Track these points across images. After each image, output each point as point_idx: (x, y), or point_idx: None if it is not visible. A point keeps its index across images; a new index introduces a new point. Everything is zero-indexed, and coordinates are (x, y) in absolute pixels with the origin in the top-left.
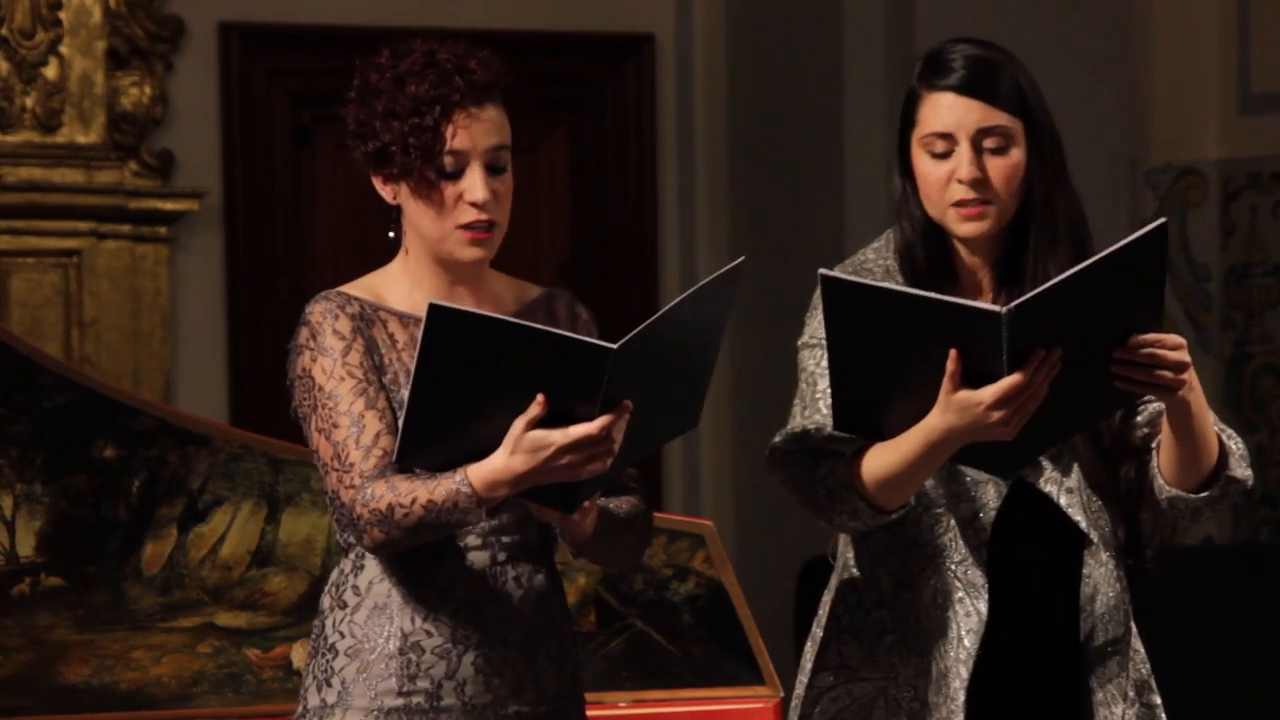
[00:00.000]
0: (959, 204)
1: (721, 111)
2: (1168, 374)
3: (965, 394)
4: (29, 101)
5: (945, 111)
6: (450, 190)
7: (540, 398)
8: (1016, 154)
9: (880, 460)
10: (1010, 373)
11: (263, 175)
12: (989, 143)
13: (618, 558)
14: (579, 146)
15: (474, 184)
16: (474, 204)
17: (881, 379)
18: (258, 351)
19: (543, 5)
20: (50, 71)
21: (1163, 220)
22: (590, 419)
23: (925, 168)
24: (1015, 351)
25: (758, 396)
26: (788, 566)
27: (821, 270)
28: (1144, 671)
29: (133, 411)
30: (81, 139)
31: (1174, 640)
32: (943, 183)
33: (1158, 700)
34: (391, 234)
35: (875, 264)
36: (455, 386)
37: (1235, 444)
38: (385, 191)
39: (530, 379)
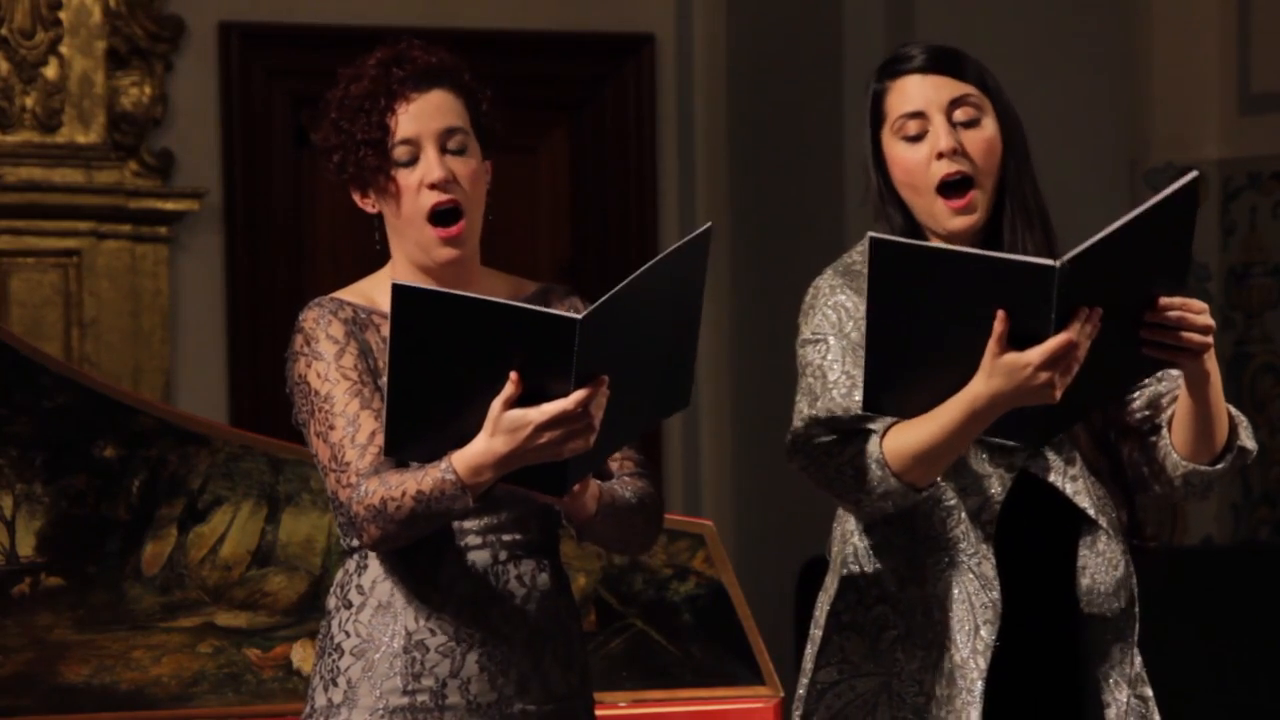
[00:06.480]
0: (945, 192)
1: (721, 111)
2: (1196, 336)
3: (1013, 356)
4: (29, 101)
5: (913, 90)
6: (409, 180)
7: (514, 375)
8: (989, 126)
9: (915, 434)
10: (1055, 333)
11: (263, 175)
12: (960, 114)
13: (626, 542)
14: (579, 146)
15: (429, 166)
16: (432, 185)
17: (920, 351)
18: (258, 351)
19: (543, 5)
20: (50, 71)
21: (1194, 173)
22: (566, 395)
23: (902, 155)
24: (1062, 310)
25: (758, 396)
26: (788, 566)
27: (870, 234)
28: (1136, 664)
29: (133, 411)
30: (81, 139)
31: (1174, 640)
32: (923, 165)
33: (1149, 693)
34: (378, 244)
35: (864, 265)
36: (431, 369)
37: (1239, 415)
38: (364, 204)
39: (503, 358)
